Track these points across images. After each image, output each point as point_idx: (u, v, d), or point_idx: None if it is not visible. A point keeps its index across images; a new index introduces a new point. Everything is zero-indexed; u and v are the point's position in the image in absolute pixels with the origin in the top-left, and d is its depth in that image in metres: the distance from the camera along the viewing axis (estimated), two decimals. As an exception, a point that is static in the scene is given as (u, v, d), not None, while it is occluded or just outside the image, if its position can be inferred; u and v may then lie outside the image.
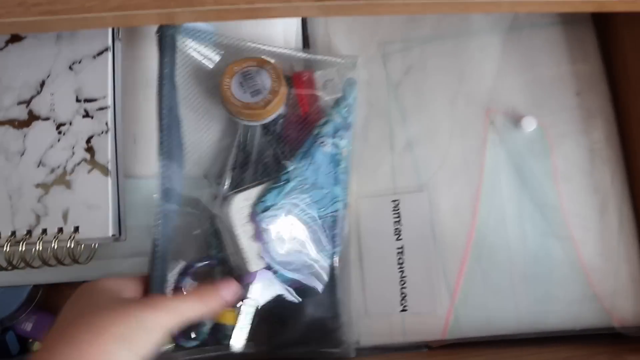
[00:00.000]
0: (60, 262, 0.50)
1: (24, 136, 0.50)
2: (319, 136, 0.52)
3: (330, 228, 0.53)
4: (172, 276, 0.47)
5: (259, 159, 0.54)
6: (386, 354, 0.57)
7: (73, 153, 0.50)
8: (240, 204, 0.49)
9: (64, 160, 0.50)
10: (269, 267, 0.49)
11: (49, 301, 0.60)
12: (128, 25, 0.50)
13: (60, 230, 0.49)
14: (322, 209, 0.52)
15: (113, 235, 0.50)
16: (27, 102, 0.51)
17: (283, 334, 0.53)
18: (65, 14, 0.43)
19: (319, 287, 0.52)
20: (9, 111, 0.51)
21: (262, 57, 0.53)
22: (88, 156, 0.50)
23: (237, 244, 0.48)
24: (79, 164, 0.50)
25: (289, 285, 0.51)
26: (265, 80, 0.52)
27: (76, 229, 0.49)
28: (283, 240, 0.50)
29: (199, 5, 0.43)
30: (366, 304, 0.57)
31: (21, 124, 0.50)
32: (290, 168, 0.50)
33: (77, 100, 0.51)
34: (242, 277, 0.49)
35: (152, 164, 0.50)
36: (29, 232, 0.49)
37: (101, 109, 0.51)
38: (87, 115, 0.50)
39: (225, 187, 0.53)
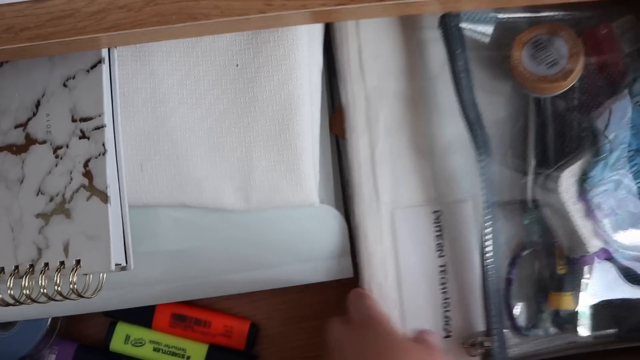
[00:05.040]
0: (66, 297, 0.46)
1: (22, 162, 0.46)
2: (631, 96, 0.47)
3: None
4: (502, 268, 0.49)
5: (562, 131, 0.50)
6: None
7: (71, 179, 0.45)
8: (568, 181, 0.47)
9: (62, 187, 0.45)
10: (605, 248, 0.47)
11: (70, 330, 0.57)
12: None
13: (62, 263, 0.45)
14: None
15: (118, 264, 0.45)
16: (24, 125, 0.47)
17: (631, 317, 0.51)
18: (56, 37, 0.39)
19: None
20: (7, 136, 0.47)
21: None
22: (86, 182, 0.45)
23: (571, 224, 0.47)
24: (77, 190, 0.45)
25: (631, 265, 0.48)
26: (561, 48, 0.48)
27: (77, 262, 0.45)
28: (617, 215, 0.47)
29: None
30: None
31: (19, 149, 0.46)
32: (611, 136, 0.46)
33: (73, 120, 0.46)
34: (577, 259, 0.48)
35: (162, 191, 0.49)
36: (32, 267, 0.45)
37: (97, 128, 0.45)
38: (83, 136, 0.46)
39: (532, 167, 0.50)
